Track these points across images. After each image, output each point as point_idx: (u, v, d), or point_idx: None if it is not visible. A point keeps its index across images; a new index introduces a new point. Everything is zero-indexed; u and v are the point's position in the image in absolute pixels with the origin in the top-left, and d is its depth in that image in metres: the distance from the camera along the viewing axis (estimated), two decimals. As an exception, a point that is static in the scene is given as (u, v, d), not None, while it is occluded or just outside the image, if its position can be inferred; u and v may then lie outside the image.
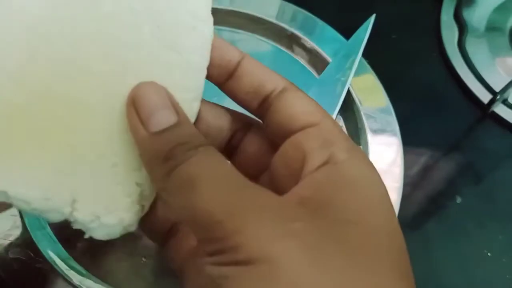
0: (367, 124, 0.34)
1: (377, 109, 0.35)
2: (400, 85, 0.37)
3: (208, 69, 0.19)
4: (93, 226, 0.18)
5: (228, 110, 0.20)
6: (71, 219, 0.18)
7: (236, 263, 0.14)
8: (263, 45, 0.39)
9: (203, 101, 0.19)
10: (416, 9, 0.44)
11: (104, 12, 0.18)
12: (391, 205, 0.16)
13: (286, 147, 0.18)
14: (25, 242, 0.28)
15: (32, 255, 0.27)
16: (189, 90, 0.19)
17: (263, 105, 0.19)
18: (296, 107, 0.18)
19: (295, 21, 0.39)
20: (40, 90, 0.17)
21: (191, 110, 0.19)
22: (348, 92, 0.35)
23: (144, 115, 0.16)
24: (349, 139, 0.18)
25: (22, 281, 0.27)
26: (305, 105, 0.18)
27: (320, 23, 0.39)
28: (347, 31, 0.39)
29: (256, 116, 0.20)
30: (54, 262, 0.27)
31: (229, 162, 0.19)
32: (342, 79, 0.35)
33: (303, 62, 0.38)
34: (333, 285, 0.14)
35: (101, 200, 0.18)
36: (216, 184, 0.15)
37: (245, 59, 0.19)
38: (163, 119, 0.16)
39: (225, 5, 0.39)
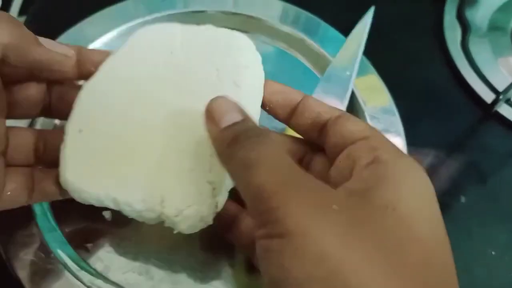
0: (371, 124, 0.34)
1: (381, 109, 0.35)
2: (403, 85, 0.37)
3: (275, 109, 0.25)
4: (177, 219, 0.23)
5: (297, 138, 0.25)
6: (162, 217, 0.23)
7: (276, 235, 0.16)
8: (266, 47, 0.39)
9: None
10: (417, 9, 0.44)
11: (178, 62, 0.26)
12: (435, 199, 0.19)
13: (340, 158, 0.21)
14: (37, 243, 0.28)
15: (43, 256, 0.28)
16: (249, 110, 0.22)
17: (322, 133, 0.23)
18: (348, 127, 0.21)
19: (298, 22, 0.39)
20: (135, 123, 0.25)
21: None
22: (352, 92, 0.35)
23: (217, 117, 0.21)
24: (395, 146, 0.21)
25: (34, 281, 0.27)
26: (355, 125, 0.21)
27: (323, 24, 0.40)
28: (349, 32, 0.39)
29: (319, 144, 0.24)
30: (65, 263, 0.28)
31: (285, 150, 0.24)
32: (347, 73, 0.35)
33: (306, 63, 0.38)
34: (358, 261, 0.15)
35: (183, 198, 0.23)
36: (268, 166, 0.18)
37: (305, 98, 0.24)
38: (231, 118, 0.20)
39: (229, 8, 0.39)
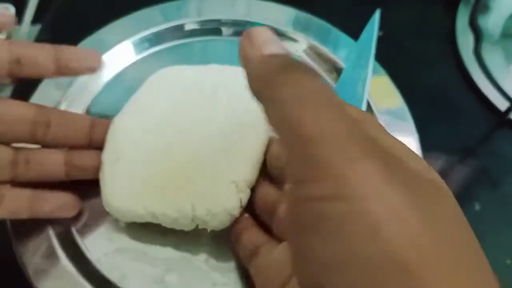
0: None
1: (393, 113, 0.35)
2: (415, 92, 0.37)
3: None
4: (208, 218, 0.27)
5: None
6: (195, 220, 0.27)
7: (336, 197, 0.13)
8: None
9: None
10: (430, 15, 0.44)
11: (191, 102, 0.32)
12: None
13: None
14: (52, 252, 0.29)
15: (60, 264, 0.28)
16: (258, 124, 0.29)
17: None
18: None
19: (310, 29, 0.39)
20: (162, 148, 0.29)
21: (260, 134, 0.30)
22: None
23: (258, 43, 0.19)
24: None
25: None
26: None
27: (334, 30, 0.40)
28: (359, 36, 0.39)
29: None
30: (81, 272, 0.28)
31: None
32: (362, 77, 0.35)
33: (320, 70, 0.38)
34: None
35: (210, 199, 0.27)
36: (328, 109, 0.15)
37: None
38: (275, 48, 0.19)
39: (242, 17, 0.40)
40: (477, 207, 0.34)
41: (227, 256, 0.29)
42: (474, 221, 0.32)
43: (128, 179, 0.28)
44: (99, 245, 0.29)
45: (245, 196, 0.28)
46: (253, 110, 0.27)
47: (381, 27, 0.42)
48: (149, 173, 0.29)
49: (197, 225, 0.28)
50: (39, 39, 0.42)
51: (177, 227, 0.28)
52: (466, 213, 0.33)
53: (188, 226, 0.28)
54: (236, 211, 0.27)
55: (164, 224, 0.28)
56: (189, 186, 0.28)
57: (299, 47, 0.39)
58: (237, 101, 0.31)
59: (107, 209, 0.28)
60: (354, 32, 0.39)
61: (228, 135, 0.30)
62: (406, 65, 0.40)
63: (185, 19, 0.40)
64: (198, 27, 0.40)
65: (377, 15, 0.34)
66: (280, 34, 0.39)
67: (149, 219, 0.28)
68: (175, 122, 0.31)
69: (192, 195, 0.28)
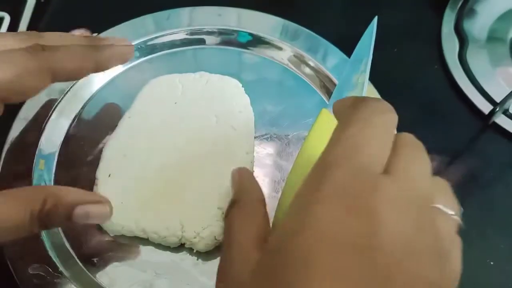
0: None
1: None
2: (400, 96, 0.37)
3: None
4: (196, 240, 0.29)
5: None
6: (183, 240, 0.29)
7: None
8: (270, 64, 0.40)
9: None
10: (416, 19, 0.45)
11: (182, 111, 0.34)
12: None
13: None
14: (44, 258, 0.29)
15: (51, 270, 0.29)
16: (245, 149, 0.33)
17: None
18: None
19: (298, 40, 0.40)
20: (154, 166, 0.32)
21: (249, 161, 0.33)
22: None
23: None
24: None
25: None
26: None
27: (323, 41, 0.40)
28: (347, 44, 0.40)
29: None
30: (72, 277, 0.29)
31: None
32: (359, 81, 0.35)
33: (307, 79, 0.39)
34: None
35: (199, 222, 0.29)
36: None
37: None
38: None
39: (232, 26, 0.40)
40: (461, 209, 0.34)
41: (216, 261, 0.30)
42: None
43: (121, 195, 0.30)
44: (88, 250, 0.30)
45: None
46: (242, 127, 0.34)
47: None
48: (141, 190, 0.31)
49: (182, 244, 0.30)
50: None
51: (163, 243, 0.30)
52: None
53: (174, 244, 0.30)
54: (222, 237, 0.29)
55: (151, 240, 0.30)
56: (179, 206, 0.30)
57: (284, 55, 0.40)
58: (226, 118, 0.34)
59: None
60: (340, 36, 0.40)
61: (217, 158, 0.32)
62: (392, 70, 0.41)
63: (175, 29, 0.40)
64: (188, 36, 0.40)
65: (375, 22, 0.35)
66: (267, 43, 0.40)
67: (138, 233, 0.30)
68: (166, 141, 0.33)
69: (182, 216, 0.30)
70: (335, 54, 0.39)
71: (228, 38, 0.40)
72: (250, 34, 0.40)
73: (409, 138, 0.22)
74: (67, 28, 0.43)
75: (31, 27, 0.50)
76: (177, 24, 0.41)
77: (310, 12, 0.44)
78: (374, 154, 0.19)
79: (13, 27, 0.48)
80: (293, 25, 0.41)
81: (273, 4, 0.43)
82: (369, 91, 0.37)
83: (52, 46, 0.25)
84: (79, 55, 0.26)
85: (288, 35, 0.40)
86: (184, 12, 0.41)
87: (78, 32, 0.34)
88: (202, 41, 0.40)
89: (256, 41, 0.40)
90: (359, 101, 0.21)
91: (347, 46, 0.39)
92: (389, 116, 0.21)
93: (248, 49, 0.40)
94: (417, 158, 0.21)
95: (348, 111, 0.21)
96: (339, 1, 0.47)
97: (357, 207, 0.17)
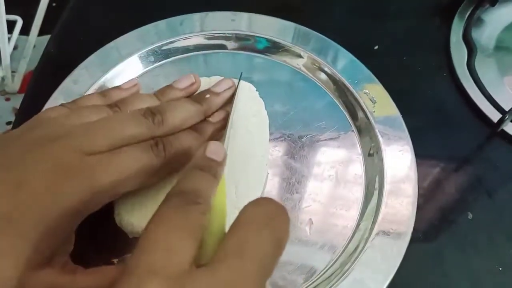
0: (381, 140, 0.36)
1: (389, 123, 0.37)
2: (410, 104, 0.38)
3: None
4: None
5: None
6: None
7: None
8: (281, 67, 0.41)
9: None
10: (425, 28, 0.46)
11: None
12: None
13: None
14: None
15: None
16: (260, 152, 0.33)
17: None
18: None
19: (309, 43, 0.41)
20: None
21: (264, 164, 0.33)
22: (360, 106, 0.37)
23: None
24: None
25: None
26: None
27: (333, 44, 0.41)
28: (355, 52, 0.41)
29: None
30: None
31: None
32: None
33: (319, 83, 0.40)
34: None
35: None
36: None
37: None
38: None
39: (244, 30, 0.41)
40: (470, 216, 0.35)
41: None
42: (467, 229, 0.34)
43: (140, 196, 0.30)
44: (105, 254, 0.31)
45: None
46: (257, 130, 0.34)
47: (377, 40, 0.44)
48: (157, 193, 0.30)
49: None
50: (47, 49, 0.43)
51: None
52: (460, 222, 0.34)
53: None
54: None
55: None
56: None
57: (300, 61, 0.41)
58: (242, 122, 0.34)
59: (119, 223, 0.30)
60: (351, 44, 0.41)
61: (232, 160, 0.32)
62: (402, 77, 0.41)
63: (188, 34, 0.41)
64: (201, 42, 0.41)
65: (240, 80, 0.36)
66: (281, 47, 0.41)
67: None
68: None
69: None
70: (350, 60, 0.40)
71: (244, 44, 0.41)
72: (268, 40, 0.41)
73: (252, 213, 0.20)
74: (80, 33, 0.44)
75: (43, 30, 0.51)
76: (191, 29, 0.41)
77: (317, 19, 0.45)
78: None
79: (25, 31, 0.49)
80: (304, 29, 0.41)
81: (280, 9, 0.44)
82: (383, 96, 0.38)
83: (171, 144, 0.28)
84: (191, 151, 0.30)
85: (300, 39, 0.41)
86: (197, 17, 0.42)
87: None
88: (218, 46, 0.41)
89: (272, 46, 0.41)
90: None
91: (355, 54, 0.41)
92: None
93: (262, 53, 0.41)
94: (250, 242, 0.19)
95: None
96: (347, 9, 0.47)
97: None
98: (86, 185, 0.24)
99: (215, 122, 0.33)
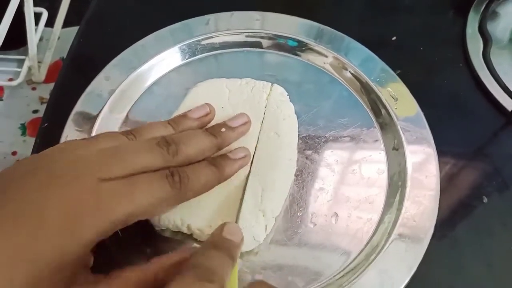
0: (403, 136, 0.37)
1: (411, 120, 0.38)
2: (427, 95, 0.40)
3: None
4: None
5: None
6: None
7: None
8: (306, 66, 0.42)
9: None
10: (441, 21, 0.47)
11: (228, 116, 0.35)
12: None
13: None
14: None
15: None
16: (288, 156, 0.34)
17: None
18: None
19: (322, 38, 0.42)
20: None
21: (292, 167, 0.35)
22: (383, 103, 0.39)
23: None
24: None
25: None
26: None
27: (347, 38, 0.42)
28: (373, 45, 0.42)
29: None
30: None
31: None
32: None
33: (343, 81, 0.41)
34: None
35: (239, 222, 0.31)
36: None
37: None
38: None
39: (269, 30, 0.43)
40: (485, 200, 0.36)
41: (254, 258, 0.32)
42: (483, 213, 0.35)
43: None
44: (131, 250, 0.32)
45: (270, 223, 0.32)
46: (285, 134, 0.35)
47: (394, 33, 0.45)
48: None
49: None
50: (74, 43, 0.44)
51: (205, 240, 0.31)
52: (474, 206, 0.36)
53: None
54: (261, 238, 0.31)
55: (195, 236, 0.31)
56: (222, 207, 0.32)
57: (326, 60, 0.42)
58: (271, 126, 0.35)
59: None
60: (368, 41, 0.42)
61: (260, 163, 0.33)
62: (419, 68, 0.43)
63: (214, 33, 0.43)
64: (228, 40, 0.43)
65: None
66: (306, 46, 0.42)
67: (183, 229, 0.31)
68: None
69: (224, 216, 0.31)
70: (373, 59, 0.42)
71: (272, 43, 0.42)
72: (294, 39, 0.42)
73: None
74: (107, 37, 0.45)
75: (66, 22, 0.52)
76: (217, 29, 0.43)
77: (335, 14, 0.46)
78: None
79: (49, 23, 0.50)
80: (328, 29, 0.43)
81: (295, 7, 0.45)
82: (404, 94, 0.40)
83: (188, 176, 0.28)
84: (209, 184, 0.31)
85: (324, 38, 0.42)
86: (223, 17, 0.43)
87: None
88: (248, 44, 0.42)
89: (298, 46, 0.42)
90: None
91: (373, 46, 0.42)
92: None
93: (289, 53, 0.42)
94: None
95: None
96: (364, 5, 0.48)
97: None
98: (103, 220, 0.24)
99: (234, 159, 0.32)
